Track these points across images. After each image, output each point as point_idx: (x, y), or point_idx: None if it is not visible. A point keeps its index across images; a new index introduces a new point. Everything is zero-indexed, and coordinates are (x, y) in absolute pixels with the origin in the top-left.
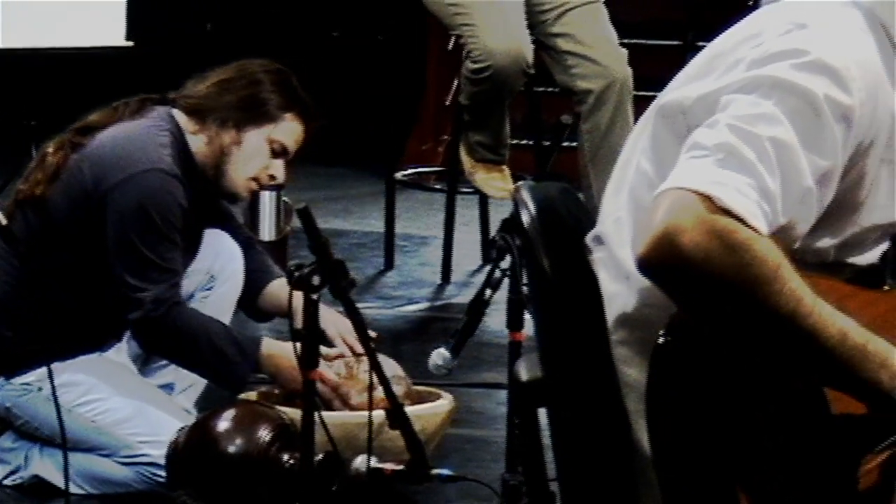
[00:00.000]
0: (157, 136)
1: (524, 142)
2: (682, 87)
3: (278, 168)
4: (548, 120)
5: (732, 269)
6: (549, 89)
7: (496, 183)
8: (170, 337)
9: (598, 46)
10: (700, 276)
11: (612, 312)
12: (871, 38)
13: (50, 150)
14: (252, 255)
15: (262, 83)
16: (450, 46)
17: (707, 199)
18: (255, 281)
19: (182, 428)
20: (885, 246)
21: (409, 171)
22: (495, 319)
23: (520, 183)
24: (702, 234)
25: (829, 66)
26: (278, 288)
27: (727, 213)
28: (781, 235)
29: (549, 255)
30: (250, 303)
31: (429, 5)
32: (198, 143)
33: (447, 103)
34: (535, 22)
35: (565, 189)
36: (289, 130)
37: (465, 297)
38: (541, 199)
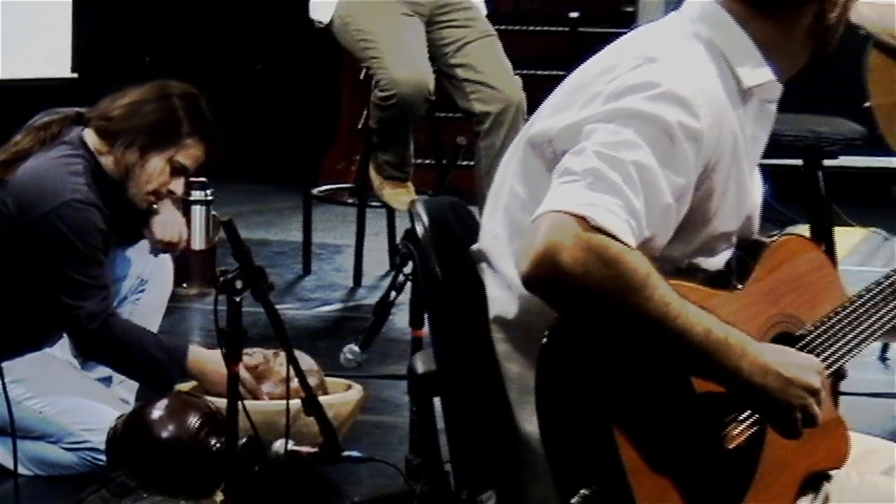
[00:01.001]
0: (71, 165)
1: (426, 161)
2: (548, 119)
3: (178, 185)
4: (447, 142)
5: (608, 280)
6: (448, 115)
7: (402, 198)
8: (105, 347)
9: (494, 74)
10: (580, 288)
11: (494, 314)
12: (713, 68)
13: None
14: None
15: (170, 108)
16: (361, 77)
17: (581, 219)
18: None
19: (120, 416)
20: (730, 252)
21: (325, 187)
22: (400, 318)
23: (414, 198)
24: (579, 250)
25: (679, 96)
26: None
27: (600, 230)
28: (646, 247)
29: (440, 262)
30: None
31: (342, 41)
32: (107, 162)
33: (359, 127)
34: (437, 54)
35: (456, 203)
36: (190, 153)
37: (374, 298)
38: (433, 213)
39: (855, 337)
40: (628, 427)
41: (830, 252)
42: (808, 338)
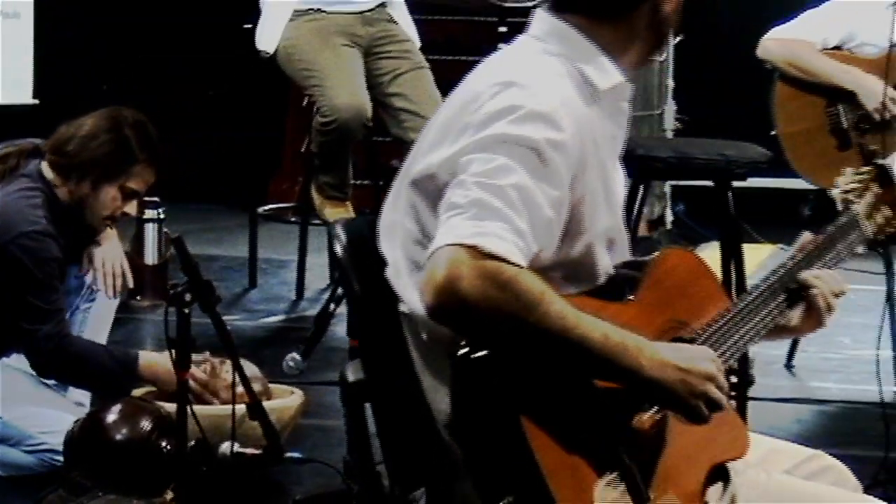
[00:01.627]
0: (30, 199)
1: (364, 182)
2: (426, 157)
3: (131, 207)
4: (383, 164)
5: (506, 301)
6: (385, 139)
7: (341, 216)
8: (61, 366)
9: (425, 104)
10: (482, 313)
11: (407, 328)
12: (567, 80)
13: None
14: None
15: (121, 139)
16: (304, 104)
17: (473, 248)
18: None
19: (76, 420)
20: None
21: (269, 206)
22: (340, 328)
23: (334, 220)
24: (476, 278)
25: (540, 113)
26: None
27: (492, 256)
28: (536, 259)
29: (359, 277)
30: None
31: (286, 70)
32: (63, 194)
33: (302, 150)
34: (374, 84)
35: (374, 220)
36: (141, 178)
37: (315, 310)
38: (351, 233)
39: (741, 337)
40: (542, 432)
41: (739, 265)
42: (698, 340)
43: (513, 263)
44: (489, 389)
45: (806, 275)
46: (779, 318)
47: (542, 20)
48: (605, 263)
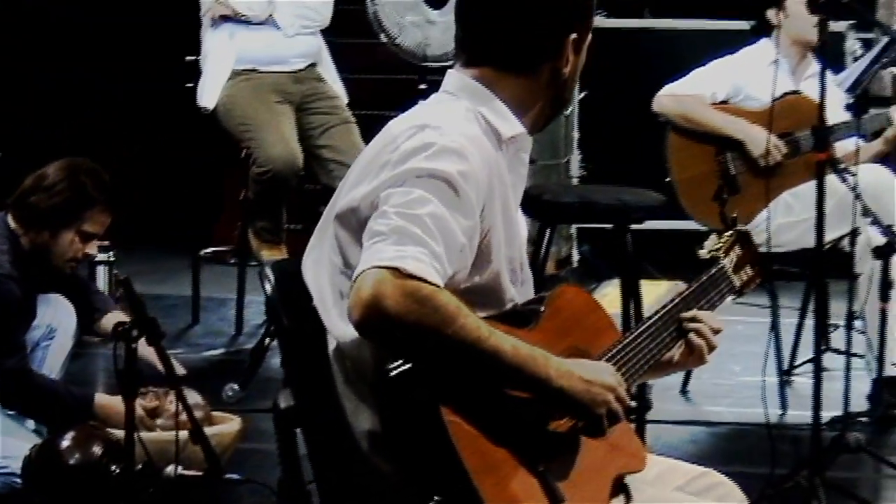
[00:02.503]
0: None
1: (297, 226)
2: (349, 194)
3: (91, 248)
4: (314, 210)
5: (425, 316)
6: (315, 187)
7: (276, 258)
8: (22, 399)
9: (351, 154)
10: (405, 326)
11: (332, 357)
12: (475, 125)
13: None
14: (99, 300)
15: (78, 187)
16: (242, 155)
17: (396, 270)
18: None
19: (34, 445)
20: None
21: (211, 249)
22: (275, 360)
23: (266, 255)
24: (399, 296)
25: (451, 149)
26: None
27: (412, 277)
28: (451, 282)
29: (286, 314)
30: (90, 328)
31: (225, 125)
32: (26, 241)
33: (241, 198)
34: (305, 137)
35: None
36: (96, 221)
37: (252, 344)
38: (279, 274)
39: (633, 366)
40: (466, 436)
41: (637, 300)
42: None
43: (431, 283)
44: (415, 401)
45: (686, 315)
46: (664, 353)
47: (453, 77)
48: (511, 291)
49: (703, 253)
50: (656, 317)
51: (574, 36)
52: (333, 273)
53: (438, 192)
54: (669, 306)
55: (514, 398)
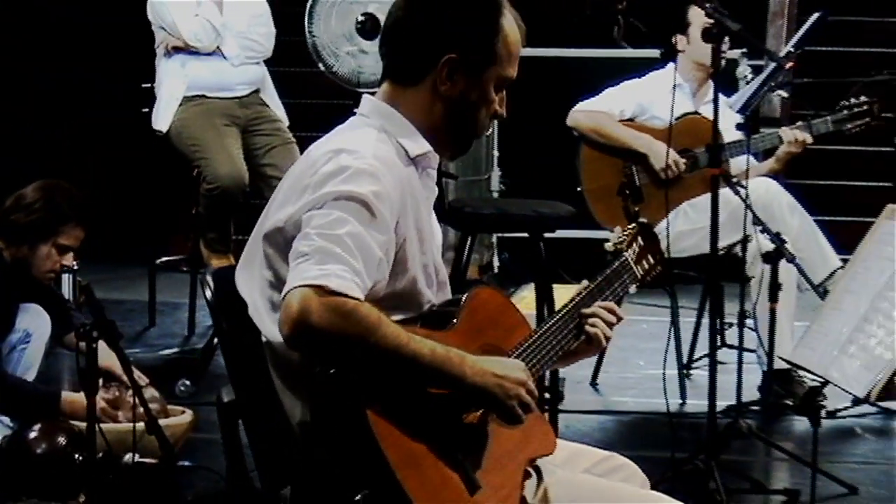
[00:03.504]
0: None
1: (244, 237)
2: (276, 214)
3: (67, 259)
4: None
5: (349, 328)
6: (260, 201)
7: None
8: None
9: None
10: (331, 338)
11: (269, 356)
12: (385, 144)
13: None
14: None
15: (53, 205)
16: (194, 173)
17: (320, 287)
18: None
19: (4, 436)
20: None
21: (165, 258)
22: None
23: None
24: (324, 311)
25: (364, 171)
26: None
27: (335, 293)
28: (372, 292)
29: (225, 317)
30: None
31: (177, 146)
32: (8, 255)
33: (193, 212)
34: (250, 156)
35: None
36: (71, 235)
37: (203, 344)
38: (218, 280)
39: (542, 358)
40: (389, 431)
41: (550, 302)
42: (514, 356)
43: (352, 297)
44: (342, 401)
45: (585, 310)
46: (569, 345)
47: (366, 100)
48: (428, 294)
49: (609, 245)
50: (562, 312)
51: (452, 56)
52: (264, 287)
53: (355, 212)
54: (575, 301)
55: (431, 395)
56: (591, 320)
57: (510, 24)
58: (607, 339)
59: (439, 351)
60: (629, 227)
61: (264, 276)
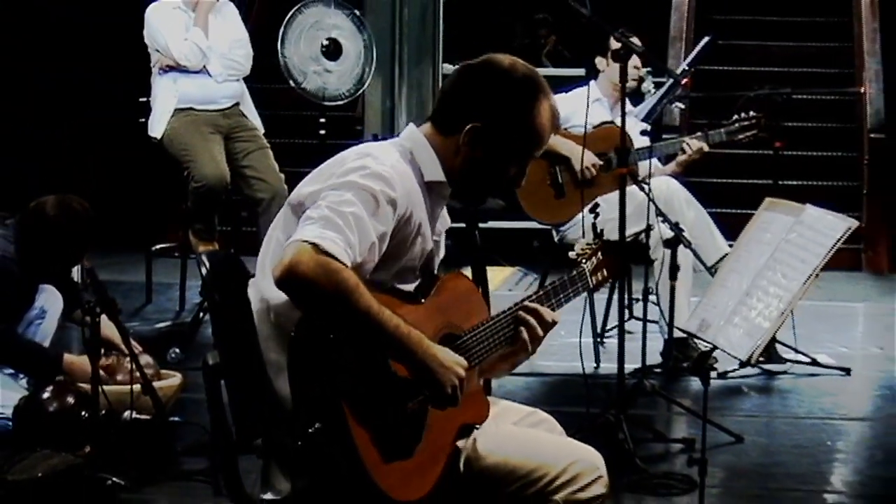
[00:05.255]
0: (5, 239)
1: (226, 228)
2: (301, 189)
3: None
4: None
5: (330, 284)
6: (239, 198)
7: (209, 251)
8: (7, 353)
9: (267, 173)
10: (312, 288)
11: (259, 318)
12: (406, 164)
13: None
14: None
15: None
16: (184, 174)
17: (315, 245)
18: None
19: (22, 397)
20: (417, 282)
21: (160, 245)
22: (208, 329)
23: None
24: (312, 265)
25: (381, 174)
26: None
27: (326, 253)
28: (360, 270)
29: (216, 290)
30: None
31: (169, 150)
32: (29, 253)
33: (184, 206)
34: (231, 159)
35: (228, 255)
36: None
37: (191, 318)
38: (212, 260)
39: (481, 349)
40: (347, 390)
41: (484, 283)
42: (463, 339)
43: (340, 261)
44: (314, 359)
45: (521, 313)
46: (506, 342)
47: (408, 128)
48: (408, 286)
49: (572, 254)
50: (506, 311)
51: (476, 125)
52: (277, 247)
53: (363, 200)
54: (521, 302)
55: (391, 378)
56: (521, 327)
57: (543, 112)
58: (535, 341)
59: (402, 327)
60: (594, 241)
61: (279, 239)
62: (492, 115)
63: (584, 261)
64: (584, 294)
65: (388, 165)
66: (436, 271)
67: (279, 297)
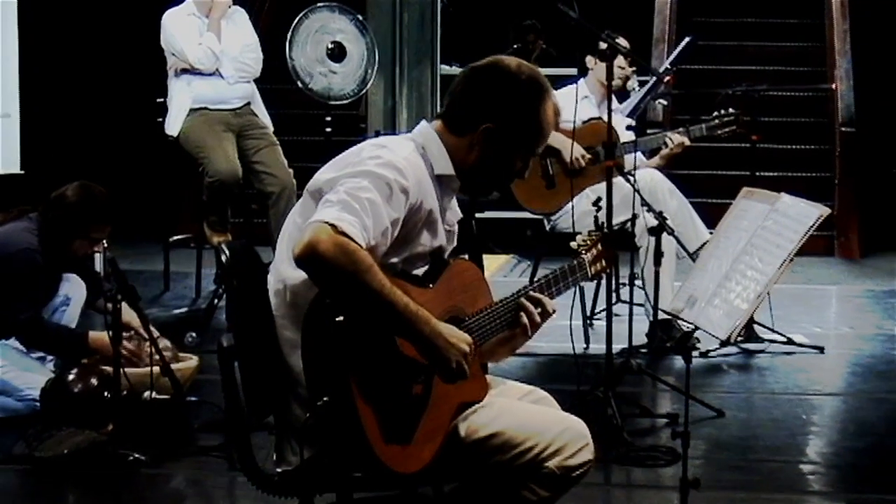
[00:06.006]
0: (30, 232)
1: (238, 220)
2: (320, 176)
3: (98, 247)
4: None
5: (347, 262)
6: (250, 191)
7: (224, 241)
8: (36, 339)
9: (276, 168)
10: (330, 266)
11: (276, 299)
12: (419, 157)
13: None
14: (100, 286)
15: (85, 209)
16: (200, 170)
17: (333, 226)
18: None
19: (49, 379)
20: (426, 267)
21: (177, 237)
22: (222, 315)
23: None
24: (330, 244)
25: (395, 164)
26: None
27: (343, 234)
28: (373, 252)
29: (235, 277)
30: (94, 305)
31: (185, 147)
32: (51, 240)
33: (200, 200)
34: (243, 155)
35: (245, 244)
36: (100, 231)
37: (206, 304)
38: (231, 249)
39: (486, 331)
40: (356, 367)
41: (481, 269)
42: (467, 322)
43: (356, 242)
44: (326, 335)
45: (523, 300)
46: (508, 326)
47: (422, 125)
48: (416, 270)
49: (573, 244)
50: (509, 298)
51: (489, 126)
52: (294, 231)
53: (378, 187)
54: (524, 290)
55: (400, 359)
56: (522, 313)
57: (548, 111)
58: (534, 327)
59: (411, 306)
60: (593, 234)
61: (297, 223)
62: (504, 116)
63: (584, 251)
64: (583, 283)
65: (401, 157)
66: (447, 258)
67: (296, 277)
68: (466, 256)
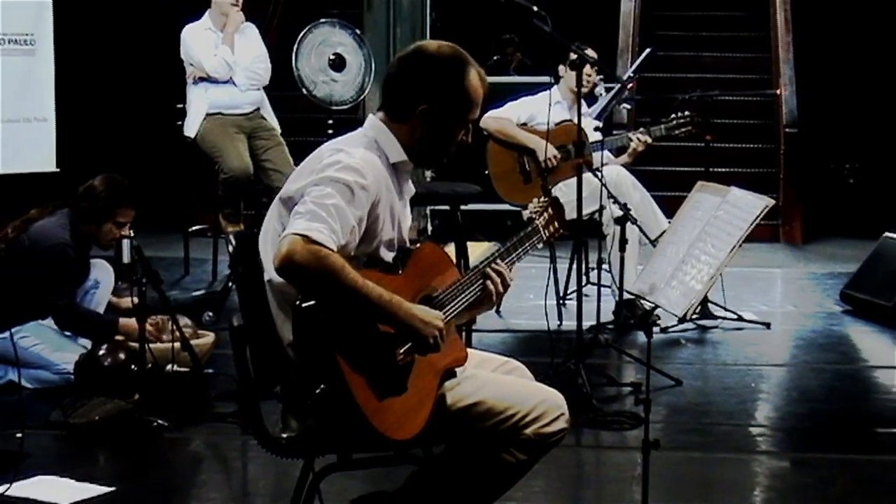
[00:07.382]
0: (63, 227)
1: (250, 212)
2: (289, 186)
3: (125, 230)
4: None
5: (321, 267)
6: (260, 187)
7: (236, 231)
8: (71, 322)
9: (283, 166)
10: (307, 273)
11: (267, 289)
12: (373, 152)
13: (9, 229)
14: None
15: (109, 195)
16: (216, 167)
17: (305, 236)
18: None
19: (82, 354)
20: (394, 252)
21: (195, 227)
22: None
23: (230, 230)
24: (304, 253)
25: (353, 166)
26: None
27: (315, 242)
28: (345, 250)
29: (241, 264)
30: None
31: (202, 147)
32: (81, 228)
33: (216, 194)
34: (253, 154)
35: (251, 234)
36: (125, 215)
37: (221, 287)
38: (239, 239)
39: (456, 304)
40: (344, 348)
41: (465, 255)
42: (438, 298)
43: (327, 248)
44: (314, 327)
45: (488, 270)
46: (476, 297)
47: (370, 120)
48: (387, 258)
49: (525, 213)
50: (475, 269)
51: (425, 107)
52: (274, 237)
53: (340, 192)
54: (487, 260)
55: (376, 333)
56: (488, 281)
57: (473, 79)
58: (499, 297)
59: (384, 295)
60: (542, 199)
61: (276, 229)
62: (434, 96)
63: (536, 216)
64: (540, 247)
65: (357, 157)
66: (406, 235)
67: (279, 276)
68: (453, 245)
